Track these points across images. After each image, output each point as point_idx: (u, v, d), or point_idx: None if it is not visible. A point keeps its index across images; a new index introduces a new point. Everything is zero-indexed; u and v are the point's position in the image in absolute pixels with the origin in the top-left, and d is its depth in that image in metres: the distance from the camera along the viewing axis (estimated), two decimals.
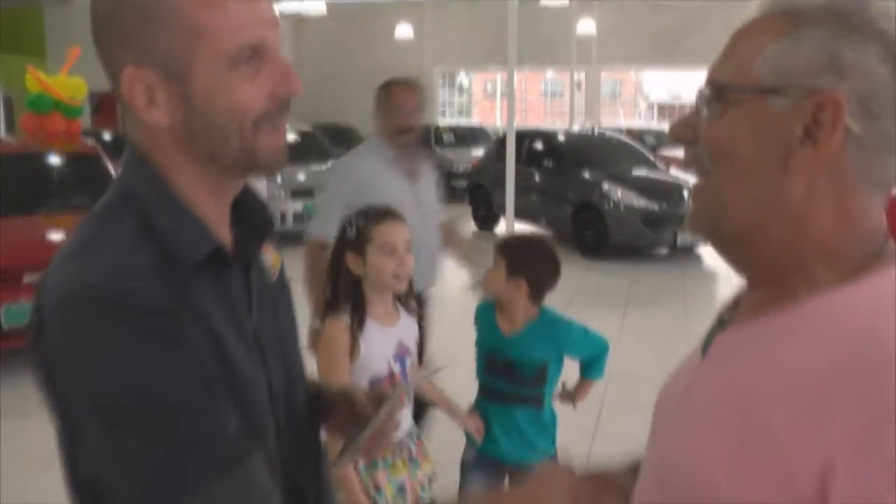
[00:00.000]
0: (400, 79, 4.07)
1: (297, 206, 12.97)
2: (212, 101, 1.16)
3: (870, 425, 0.80)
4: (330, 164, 14.25)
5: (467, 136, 20.52)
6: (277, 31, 1.20)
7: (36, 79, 9.20)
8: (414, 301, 3.00)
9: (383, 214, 2.80)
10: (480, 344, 3.24)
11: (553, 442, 3.30)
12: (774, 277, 1.01)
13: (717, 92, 1.00)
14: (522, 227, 13.05)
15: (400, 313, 2.88)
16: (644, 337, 7.54)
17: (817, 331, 0.91)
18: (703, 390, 1.03)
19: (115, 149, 15.42)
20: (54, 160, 8.59)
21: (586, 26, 20.70)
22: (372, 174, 3.82)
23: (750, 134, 0.97)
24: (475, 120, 24.26)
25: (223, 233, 1.29)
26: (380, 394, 1.64)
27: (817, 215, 0.95)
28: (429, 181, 4.15)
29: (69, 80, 9.45)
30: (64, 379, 1.10)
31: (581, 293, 9.10)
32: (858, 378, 0.84)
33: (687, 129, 1.05)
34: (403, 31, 22.49)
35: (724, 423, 0.94)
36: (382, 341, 2.76)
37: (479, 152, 16.97)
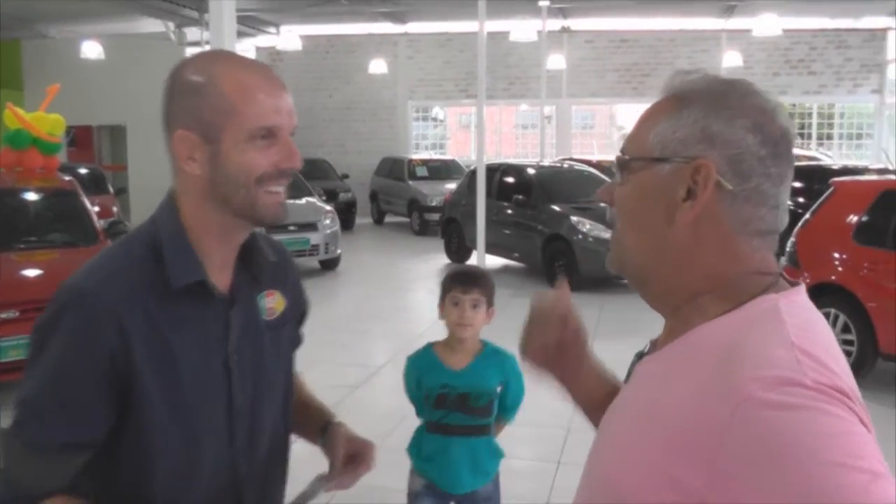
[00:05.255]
0: None
1: None
2: (230, 160, 1.55)
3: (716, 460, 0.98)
4: (305, 200, 14.38)
5: (441, 170, 20.73)
6: (292, 120, 1.60)
7: (15, 115, 9.22)
8: None
9: None
10: (427, 387, 3.36)
11: (499, 464, 3.49)
12: (674, 310, 1.22)
13: (624, 162, 1.24)
14: (494, 260, 13.27)
15: None
16: (612, 366, 7.55)
17: (690, 355, 1.12)
18: (619, 414, 1.24)
19: (92, 182, 15.34)
20: (31, 196, 8.65)
21: (556, 61, 21.04)
22: None
23: (645, 195, 1.20)
24: (450, 153, 24.44)
25: (223, 273, 1.66)
26: (354, 441, 1.92)
27: (702, 258, 1.16)
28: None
29: (48, 116, 9.46)
30: None
31: None
32: (709, 417, 1.00)
33: (607, 193, 1.28)
34: (377, 65, 22.70)
35: (631, 443, 1.13)
36: None
37: (452, 185, 17.14)
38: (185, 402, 1.58)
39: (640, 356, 1.31)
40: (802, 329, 1.07)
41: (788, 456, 0.93)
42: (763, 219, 1.16)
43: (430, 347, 3.43)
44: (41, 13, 18.93)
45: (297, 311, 1.87)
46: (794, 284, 1.19)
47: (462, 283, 3.28)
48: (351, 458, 1.86)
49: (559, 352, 1.55)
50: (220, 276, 1.65)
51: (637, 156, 1.22)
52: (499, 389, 3.34)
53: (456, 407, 3.30)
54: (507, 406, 3.40)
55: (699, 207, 1.14)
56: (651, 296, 1.26)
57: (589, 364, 1.60)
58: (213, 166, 1.56)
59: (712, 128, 1.15)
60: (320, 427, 1.94)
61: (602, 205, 1.32)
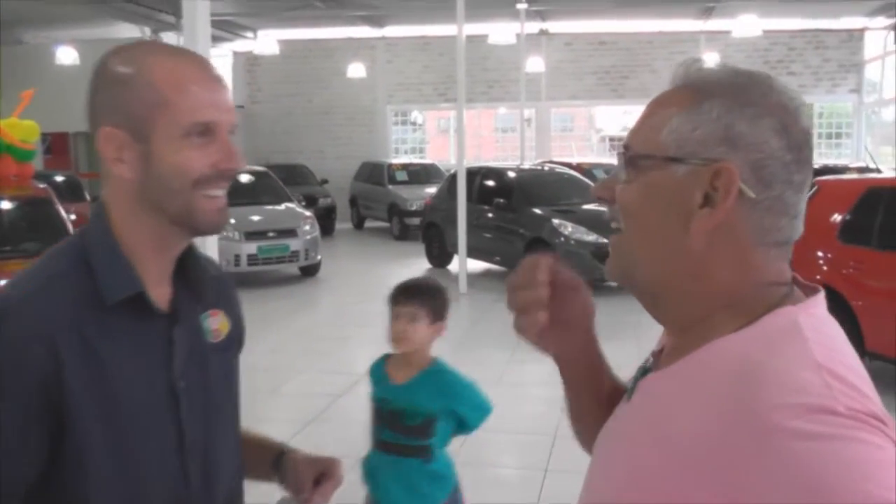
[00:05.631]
0: None
1: (250, 248, 12.91)
2: (163, 161, 1.39)
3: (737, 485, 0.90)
4: (284, 206, 14.26)
5: (420, 174, 20.63)
6: (231, 116, 1.45)
7: None
8: None
9: None
10: (372, 397, 3.28)
11: (448, 491, 3.26)
12: (684, 324, 1.11)
13: (630, 159, 1.11)
14: (475, 264, 13.20)
15: None
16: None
17: (705, 375, 1.02)
18: (625, 434, 1.14)
19: (68, 190, 15.19)
20: (4, 205, 8.49)
21: (535, 64, 21.02)
22: None
23: (656, 199, 1.08)
24: (429, 157, 24.36)
25: (160, 287, 1.48)
26: (317, 461, 1.75)
27: (718, 270, 1.06)
28: None
29: (21, 122, 9.27)
30: None
31: None
32: (731, 445, 0.92)
33: (606, 190, 1.15)
34: (356, 69, 22.60)
35: (644, 468, 1.04)
36: None
37: (432, 190, 17.06)
38: (128, 434, 1.39)
39: (643, 371, 1.19)
40: (827, 347, 0.98)
41: (824, 490, 0.84)
42: (782, 229, 1.07)
43: (383, 358, 3.34)
44: (15, 18, 18.69)
45: (239, 334, 1.69)
46: (808, 292, 1.10)
47: (401, 296, 3.17)
48: (317, 479, 1.71)
49: (562, 327, 1.30)
50: (159, 292, 1.47)
51: (647, 152, 1.09)
52: (444, 412, 3.14)
53: (389, 423, 3.16)
54: (467, 427, 3.25)
55: (719, 216, 1.04)
56: (661, 311, 1.15)
57: (597, 350, 1.38)
58: (145, 168, 1.40)
59: (736, 127, 1.04)
60: (272, 460, 1.75)
61: (587, 206, 1.19)
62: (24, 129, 9.23)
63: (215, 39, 22.14)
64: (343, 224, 21.23)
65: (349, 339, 9.72)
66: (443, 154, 24.79)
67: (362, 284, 13.61)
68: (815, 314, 1.04)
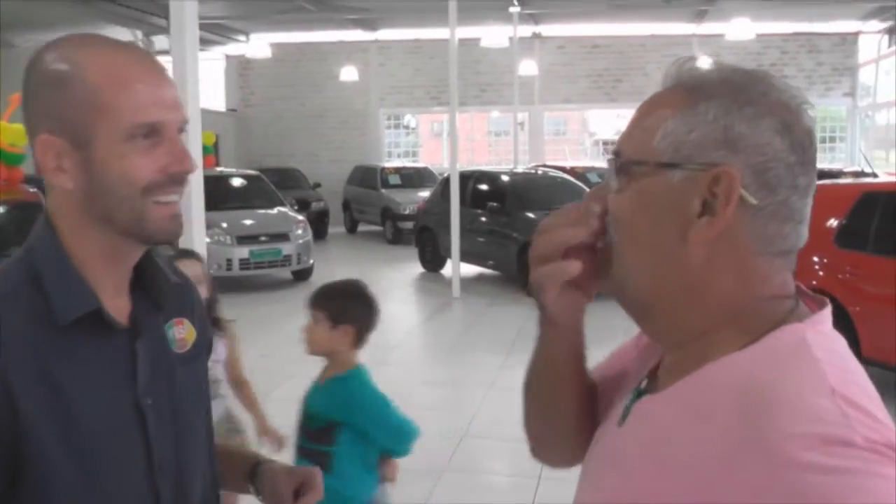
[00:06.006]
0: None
1: (242, 252, 12.83)
2: (107, 168, 1.28)
3: None
4: (277, 210, 14.19)
5: (413, 177, 20.55)
6: (178, 114, 1.34)
7: None
8: (221, 325, 3.61)
9: (178, 254, 3.50)
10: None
11: None
12: (680, 341, 1.03)
13: (621, 166, 1.03)
14: (469, 268, 13.15)
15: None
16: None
17: (708, 399, 0.94)
18: (621, 462, 1.05)
19: None
20: None
21: (528, 67, 20.99)
22: None
23: (650, 208, 1.00)
24: (423, 160, 24.32)
25: (117, 300, 1.37)
26: (295, 472, 1.68)
27: (718, 282, 0.98)
28: None
29: (10, 126, 9.24)
30: None
31: (526, 332, 9.16)
32: (741, 476, 0.85)
33: (598, 199, 1.06)
34: (349, 73, 22.54)
35: (642, 495, 0.97)
36: None
37: (425, 193, 16.96)
38: (93, 458, 1.29)
39: (638, 394, 1.10)
40: (840, 369, 0.91)
41: None
42: (787, 237, 0.98)
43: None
44: (7, 20, 18.67)
45: (205, 343, 1.59)
46: (813, 304, 1.03)
47: (310, 299, 3.15)
48: (296, 491, 1.63)
49: (572, 296, 1.12)
50: (116, 305, 1.37)
51: (640, 158, 1.01)
52: (346, 424, 3.02)
53: (300, 425, 3.11)
54: (389, 450, 3.14)
55: (720, 225, 0.95)
56: (655, 326, 1.07)
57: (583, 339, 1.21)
58: (88, 177, 1.28)
59: (735, 128, 0.96)
60: (247, 471, 1.68)
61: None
62: (13, 133, 9.18)
63: (207, 43, 22.16)
64: (336, 228, 21.15)
65: None
66: (436, 158, 24.75)
67: None
68: (822, 331, 0.97)
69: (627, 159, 1.02)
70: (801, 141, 0.97)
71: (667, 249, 0.99)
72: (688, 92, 1.00)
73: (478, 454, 5.84)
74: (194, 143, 5.15)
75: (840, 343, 0.98)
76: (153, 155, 1.29)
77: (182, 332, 1.48)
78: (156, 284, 1.44)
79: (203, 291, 3.17)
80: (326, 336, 3.04)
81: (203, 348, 1.56)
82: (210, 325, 1.67)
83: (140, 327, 1.39)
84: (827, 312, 1.01)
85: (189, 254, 3.62)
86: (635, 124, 1.05)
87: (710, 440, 0.90)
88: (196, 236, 5.06)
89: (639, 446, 1.02)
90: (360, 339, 3.09)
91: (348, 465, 3.01)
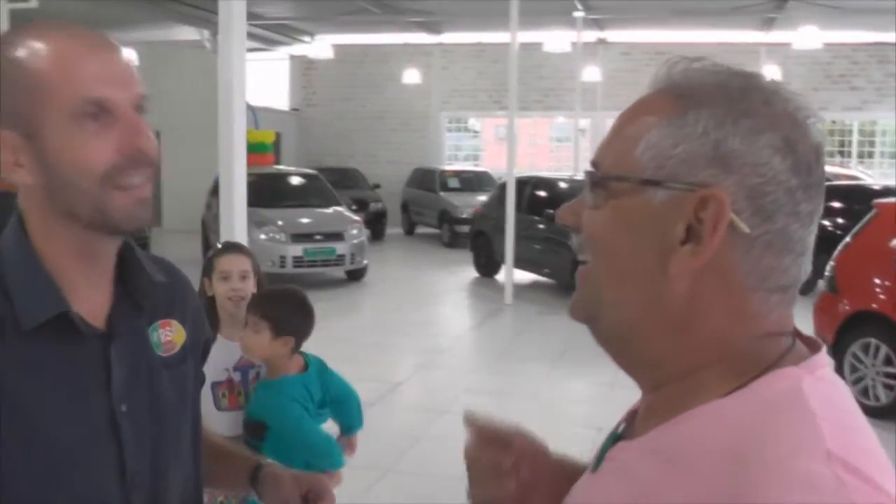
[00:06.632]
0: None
1: (296, 249, 12.92)
2: (61, 158, 1.19)
3: None
4: (332, 209, 14.28)
5: (473, 181, 20.52)
6: (131, 91, 1.23)
7: None
8: None
9: (224, 248, 3.49)
10: None
11: None
12: (662, 382, 0.91)
13: (598, 180, 0.91)
14: (523, 275, 13.04)
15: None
16: (638, 392, 7.48)
17: (687, 453, 0.84)
18: None
19: None
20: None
21: (591, 73, 20.78)
22: None
23: (628, 230, 0.88)
24: (485, 164, 24.24)
25: (93, 301, 1.30)
26: (302, 478, 1.62)
27: (704, 319, 0.86)
28: None
29: None
30: None
31: (575, 343, 9.04)
32: None
33: (571, 215, 0.96)
34: (411, 75, 22.59)
35: None
36: (225, 353, 3.19)
37: (484, 197, 16.86)
38: (57, 472, 1.22)
39: (614, 439, 0.98)
40: (838, 426, 0.79)
41: None
42: (786, 271, 0.86)
43: None
44: (80, 20, 18.72)
45: (198, 344, 1.52)
46: (811, 346, 0.91)
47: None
48: (304, 497, 1.57)
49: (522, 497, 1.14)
50: (91, 307, 1.29)
51: (619, 173, 0.89)
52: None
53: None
54: (344, 426, 3.29)
55: (704, 255, 0.83)
56: (631, 363, 0.94)
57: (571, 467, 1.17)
58: (44, 170, 1.20)
59: (728, 144, 0.83)
60: (249, 473, 1.62)
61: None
62: None
63: (273, 43, 22.43)
64: (394, 229, 21.20)
65: (388, 347, 9.61)
66: (499, 162, 24.62)
67: (407, 291, 13.56)
68: (821, 377, 0.85)
69: (605, 173, 0.91)
70: (805, 161, 0.85)
71: (646, 279, 0.87)
72: (676, 98, 0.88)
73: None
74: (239, 139, 5.23)
75: (840, 391, 0.86)
76: (107, 137, 1.20)
77: (169, 335, 1.41)
78: (136, 284, 1.36)
79: (251, 287, 3.27)
80: (267, 345, 3.05)
81: (194, 351, 1.49)
82: (206, 324, 1.61)
83: (116, 330, 1.31)
84: (823, 354, 0.89)
85: (236, 248, 3.57)
86: (616, 132, 0.93)
87: (693, 500, 0.79)
88: (238, 233, 5.07)
89: (611, 498, 0.91)
90: (297, 347, 3.13)
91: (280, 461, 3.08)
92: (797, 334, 0.92)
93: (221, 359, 3.17)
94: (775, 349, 0.87)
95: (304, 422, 3.07)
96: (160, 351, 1.39)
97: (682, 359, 0.88)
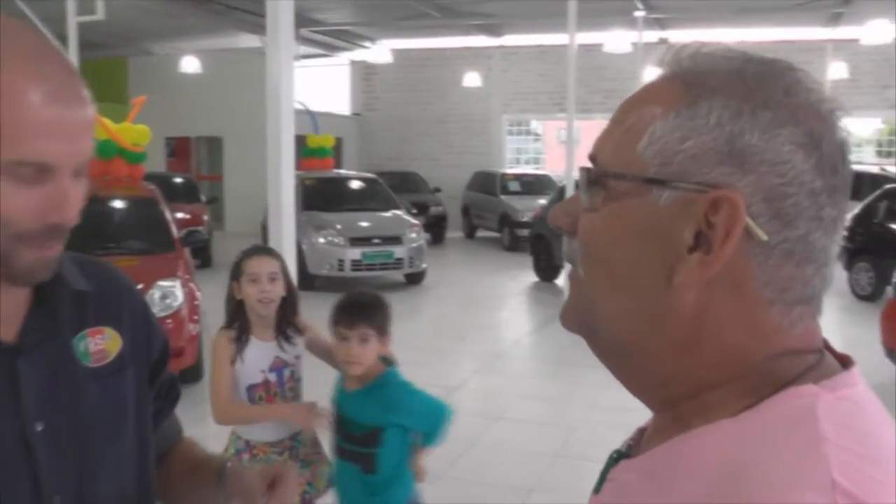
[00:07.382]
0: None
1: (355, 253, 12.97)
2: None
3: None
4: (391, 213, 14.29)
5: (534, 184, 20.37)
6: (79, 142, 1.11)
7: (103, 127, 9.42)
8: (299, 323, 3.53)
9: (252, 250, 3.52)
10: (331, 400, 3.26)
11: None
12: (669, 401, 0.81)
13: (595, 177, 0.80)
14: None
15: (279, 332, 3.41)
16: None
17: (681, 475, 0.74)
18: None
19: (185, 191, 15.85)
20: (113, 204, 8.83)
21: (653, 74, 20.47)
22: None
23: (629, 236, 0.78)
24: (547, 168, 24.09)
25: (9, 317, 1.20)
26: (267, 470, 1.48)
27: (715, 336, 0.76)
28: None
29: (133, 127, 9.68)
30: None
31: None
32: None
33: (565, 217, 0.85)
34: (472, 79, 22.58)
35: None
36: (259, 354, 3.29)
37: (545, 201, 16.75)
38: None
39: (617, 457, 0.90)
40: (852, 454, 0.68)
41: None
42: (808, 282, 0.75)
43: None
44: (146, 31, 19.56)
45: (144, 352, 1.39)
46: (844, 364, 0.79)
47: (347, 317, 3.06)
48: (270, 485, 1.42)
49: None
50: (5, 322, 1.19)
51: (618, 170, 0.79)
52: (391, 425, 3.07)
53: (338, 428, 3.14)
54: (424, 435, 3.19)
55: (715, 265, 0.73)
56: (634, 381, 0.84)
57: None
58: None
59: (745, 138, 0.73)
60: (213, 479, 1.47)
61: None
62: (136, 133, 9.66)
63: (334, 48, 22.62)
64: (454, 233, 21.18)
65: (446, 352, 9.55)
66: (561, 165, 24.42)
67: (467, 295, 13.49)
68: (846, 396, 0.73)
69: (602, 170, 0.80)
70: (830, 160, 0.74)
71: (649, 291, 0.77)
72: (686, 86, 0.77)
73: (570, 475, 5.64)
74: (287, 143, 5.24)
75: (868, 414, 0.74)
76: (33, 196, 1.09)
77: (100, 343, 1.31)
78: (53, 294, 1.25)
79: (280, 289, 3.33)
80: (376, 352, 3.03)
81: (137, 358, 1.37)
82: (159, 330, 1.49)
83: (26, 343, 1.21)
84: (853, 373, 0.77)
85: (264, 250, 3.60)
86: (616, 123, 0.82)
87: None
88: (286, 237, 5.09)
89: None
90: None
91: (392, 463, 3.09)
92: (828, 349, 0.81)
93: (256, 361, 3.24)
94: (797, 366, 0.76)
95: (421, 392, 3.16)
96: (88, 361, 1.29)
97: (690, 378, 0.78)
